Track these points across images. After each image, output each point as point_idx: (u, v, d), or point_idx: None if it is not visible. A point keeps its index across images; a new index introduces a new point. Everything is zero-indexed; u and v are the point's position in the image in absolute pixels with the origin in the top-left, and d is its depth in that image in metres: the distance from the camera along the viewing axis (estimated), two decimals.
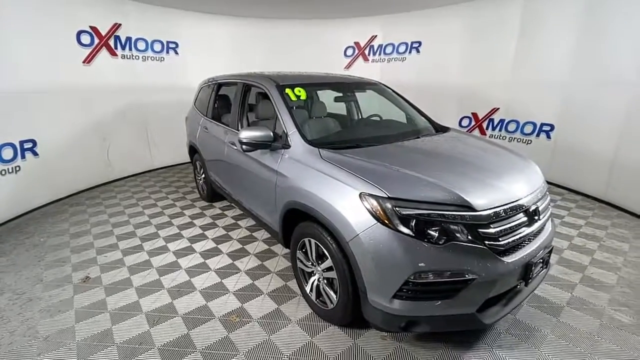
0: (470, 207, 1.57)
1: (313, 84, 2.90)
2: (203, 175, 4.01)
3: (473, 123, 5.68)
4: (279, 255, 2.91)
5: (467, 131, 5.67)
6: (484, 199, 1.62)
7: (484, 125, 5.54)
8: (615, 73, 3.79)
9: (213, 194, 3.98)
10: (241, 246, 3.09)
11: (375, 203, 1.61)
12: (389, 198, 1.60)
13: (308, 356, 1.84)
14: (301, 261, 2.19)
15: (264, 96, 2.66)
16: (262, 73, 2.97)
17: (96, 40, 4.67)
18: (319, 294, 2.09)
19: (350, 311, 1.85)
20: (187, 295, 2.39)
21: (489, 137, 5.48)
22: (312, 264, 2.09)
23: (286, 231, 2.32)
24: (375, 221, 1.60)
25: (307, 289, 2.18)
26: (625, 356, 1.82)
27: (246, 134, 2.24)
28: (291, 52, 6.55)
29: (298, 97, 2.51)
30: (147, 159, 5.76)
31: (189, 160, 4.68)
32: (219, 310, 2.23)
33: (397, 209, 1.58)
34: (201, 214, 3.87)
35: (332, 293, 1.97)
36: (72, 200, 4.37)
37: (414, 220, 1.56)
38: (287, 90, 2.51)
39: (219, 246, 3.10)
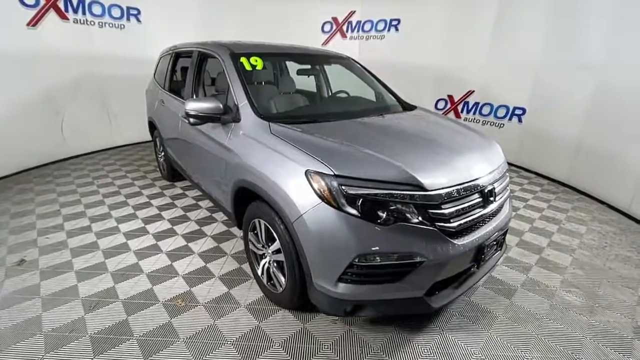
0: (420, 187, 1.47)
1: (272, 54, 2.69)
2: (163, 153, 3.77)
3: (449, 106, 5.62)
4: (237, 237, 2.78)
5: (442, 113, 5.61)
6: (436, 178, 1.53)
7: (459, 108, 5.49)
8: (584, 58, 3.76)
9: (174, 173, 3.76)
10: (198, 227, 2.93)
11: (320, 181, 1.49)
12: (335, 176, 1.47)
13: (253, 341, 1.75)
14: (252, 243, 2.07)
15: None
16: (219, 41, 2.72)
17: (42, 1, 4.19)
18: (270, 277, 1.99)
19: (299, 295, 1.76)
20: (131, 279, 2.23)
21: (464, 120, 5.45)
22: (263, 246, 1.97)
23: (238, 212, 2.18)
24: (320, 201, 1.48)
25: (259, 271, 2.07)
26: (570, 336, 1.83)
27: (193, 105, 2.04)
28: (266, 25, 6.17)
29: (254, 66, 2.31)
30: (109, 136, 5.39)
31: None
32: (164, 295, 2.09)
33: (343, 187, 1.46)
34: (160, 193, 3.65)
35: (281, 276, 1.86)
36: (19, 178, 4.03)
37: (361, 200, 1.45)
38: (242, 59, 2.30)
39: (174, 227, 2.93)
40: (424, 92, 5.72)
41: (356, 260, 1.45)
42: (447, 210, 1.53)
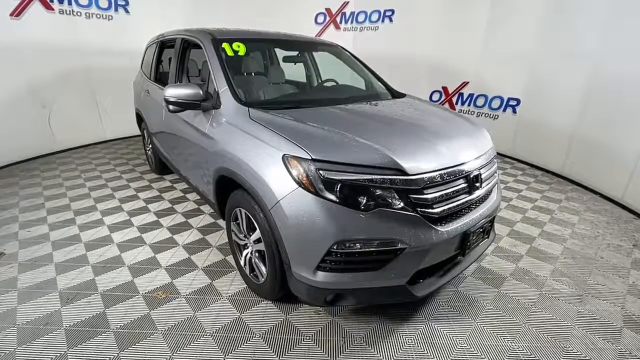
0: (401, 171, 1.42)
1: (255, 40, 2.61)
2: (150, 145, 3.70)
3: (443, 97, 5.55)
4: (223, 229, 2.72)
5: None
6: (419, 162, 1.47)
7: (454, 99, 5.42)
8: (580, 47, 3.70)
9: (162, 166, 3.69)
10: (184, 220, 2.88)
11: (298, 166, 1.43)
12: (313, 160, 1.42)
13: (233, 333, 1.70)
14: (235, 233, 2.02)
15: None
16: (202, 28, 2.64)
17: None
18: (252, 268, 1.94)
19: (279, 285, 1.71)
20: (112, 271, 2.18)
21: (458, 111, 5.38)
22: (245, 236, 1.92)
23: (221, 201, 2.12)
24: (298, 186, 1.42)
25: (242, 262, 2.02)
26: (559, 326, 1.79)
27: (172, 92, 1.97)
28: (257, 16, 6.06)
29: (236, 52, 2.24)
30: (98, 129, 5.31)
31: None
32: (145, 287, 2.04)
33: (321, 172, 1.40)
34: (148, 186, 3.59)
35: (262, 266, 1.81)
36: (4, 172, 3.96)
37: (340, 185, 1.40)
38: (224, 45, 2.23)
39: (160, 220, 2.87)
40: (418, 84, 5.65)
41: (335, 248, 1.39)
42: (430, 195, 1.47)
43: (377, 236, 1.41)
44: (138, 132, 4.49)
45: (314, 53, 3.13)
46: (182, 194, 3.39)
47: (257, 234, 1.74)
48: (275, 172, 1.49)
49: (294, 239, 1.47)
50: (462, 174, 1.60)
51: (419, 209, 1.45)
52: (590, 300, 1.99)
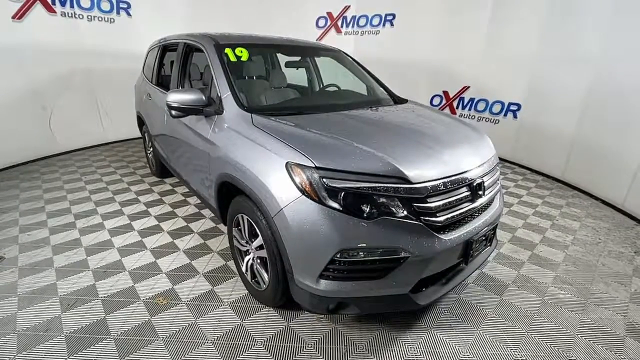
0: (405, 179, 1.42)
1: (258, 45, 2.62)
2: (151, 148, 3.70)
3: (444, 102, 5.56)
4: (224, 234, 2.72)
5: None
6: (422, 170, 1.47)
7: (455, 104, 5.43)
8: (580, 52, 3.71)
9: (163, 169, 3.68)
10: (185, 224, 2.87)
11: (301, 173, 1.43)
12: (316, 168, 1.41)
13: (234, 340, 1.69)
14: (237, 239, 2.01)
15: None
16: (205, 32, 2.64)
17: None
18: (254, 274, 1.93)
19: (281, 292, 1.70)
20: (113, 277, 2.17)
21: (459, 116, 5.39)
22: (247, 242, 1.91)
23: (223, 207, 2.11)
24: (301, 194, 1.42)
25: (243, 268, 2.01)
26: (562, 334, 1.79)
27: (174, 97, 1.97)
28: (259, 19, 6.09)
29: (239, 57, 2.24)
30: (99, 132, 5.30)
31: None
32: (145, 293, 2.03)
33: (324, 180, 1.40)
34: (149, 190, 3.58)
35: (264, 273, 1.81)
36: (4, 174, 3.95)
37: (343, 193, 1.39)
38: (227, 50, 2.23)
39: (160, 224, 2.86)
40: (419, 88, 5.67)
41: (338, 256, 1.39)
42: (434, 203, 1.47)
43: (380, 244, 1.41)
44: (139, 135, 4.49)
45: (316, 58, 3.13)
46: (183, 198, 3.38)
47: (259, 240, 1.73)
48: (278, 179, 1.49)
49: (297, 247, 1.46)
50: (465, 182, 1.59)
51: (422, 218, 1.45)
52: (593, 309, 1.98)
